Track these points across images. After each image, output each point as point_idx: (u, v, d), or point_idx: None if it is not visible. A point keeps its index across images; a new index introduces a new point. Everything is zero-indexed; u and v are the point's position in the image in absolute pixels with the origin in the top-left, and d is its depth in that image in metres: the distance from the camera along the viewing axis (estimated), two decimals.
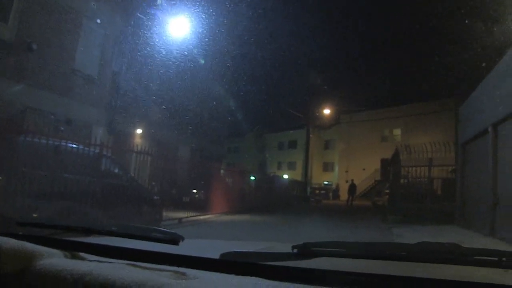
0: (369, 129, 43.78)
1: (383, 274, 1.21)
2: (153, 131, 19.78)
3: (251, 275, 1.21)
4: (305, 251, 1.32)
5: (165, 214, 12.37)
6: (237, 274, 1.23)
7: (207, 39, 20.46)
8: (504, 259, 1.17)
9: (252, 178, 24.81)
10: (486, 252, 1.22)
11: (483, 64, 12.58)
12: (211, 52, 22.69)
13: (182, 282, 1.15)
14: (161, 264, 1.36)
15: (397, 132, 43.16)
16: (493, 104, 10.97)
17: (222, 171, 21.40)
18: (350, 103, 45.45)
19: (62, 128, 10.02)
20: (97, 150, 9.91)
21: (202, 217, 15.15)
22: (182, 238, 1.45)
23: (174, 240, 1.44)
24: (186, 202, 15.75)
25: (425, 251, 1.30)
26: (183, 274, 1.23)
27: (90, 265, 1.30)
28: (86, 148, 9.46)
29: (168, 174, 13.31)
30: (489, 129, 11.22)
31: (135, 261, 1.40)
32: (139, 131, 19.53)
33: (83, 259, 1.45)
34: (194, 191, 17.89)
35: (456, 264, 1.26)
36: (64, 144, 8.67)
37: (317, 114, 43.34)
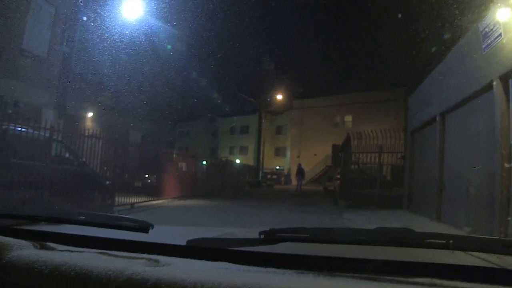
0: (321, 115, 44.52)
1: (343, 257, 1.31)
2: (104, 114, 19.31)
3: (220, 260, 1.27)
4: (271, 236, 1.37)
5: (117, 199, 12.18)
6: (207, 259, 1.29)
7: (160, 23, 20.09)
8: (451, 241, 1.27)
9: (204, 162, 24.74)
10: (436, 235, 1.30)
11: (433, 56, 13.03)
12: (164, 35, 22.32)
13: (157, 269, 1.18)
14: (132, 252, 1.37)
15: (349, 118, 44.12)
16: (441, 94, 11.38)
17: (174, 155, 21.20)
18: (302, 89, 45.99)
19: (10, 111, 9.58)
20: (47, 134, 9.54)
21: (154, 202, 15.02)
22: (152, 226, 1.48)
23: (145, 228, 1.47)
24: (138, 187, 15.55)
25: (382, 235, 1.37)
26: (156, 261, 1.26)
27: (63, 255, 1.29)
28: (36, 132, 9.09)
29: (120, 159, 13.06)
30: (437, 118, 11.64)
31: (106, 249, 1.40)
32: (90, 114, 19.01)
33: (53, 249, 1.42)
34: (146, 175, 17.67)
35: (409, 247, 1.36)
36: (12, 128, 8.29)
37: (270, 99, 43.55)
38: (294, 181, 34.92)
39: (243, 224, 10.23)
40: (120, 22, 16.10)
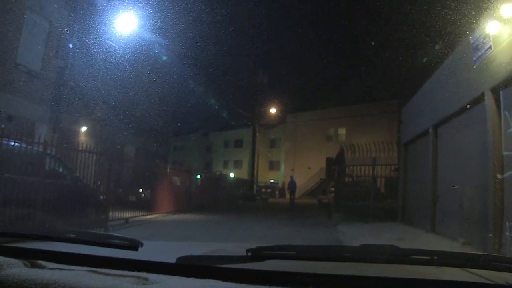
0: (315, 128, 44.60)
1: (329, 274, 1.32)
2: (98, 129, 19.27)
3: (208, 278, 1.28)
4: (258, 254, 1.38)
5: (111, 214, 12.10)
6: (196, 277, 1.29)
7: (154, 37, 20.16)
8: (435, 257, 1.29)
9: (198, 177, 24.67)
10: (420, 252, 1.33)
11: (425, 69, 13.16)
12: (159, 50, 22.39)
13: (145, 287, 1.19)
14: (122, 269, 1.38)
15: (342, 131, 44.23)
16: (433, 106, 11.48)
17: (168, 170, 21.14)
18: (296, 102, 46.16)
19: (3, 126, 9.54)
20: (41, 149, 9.50)
21: (149, 216, 14.94)
22: (141, 244, 1.49)
23: (134, 246, 1.48)
24: (132, 201, 15.46)
25: (367, 252, 1.40)
26: (145, 279, 1.27)
27: (53, 274, 1.29)
28: (29, 147, 9.04)
29: (114, 173, 13.00)
30: (430, 130, 11.72)
31: (96, 267, 1.40)
32: (83, 128, 18.96)
33: (43, 267, 1.42)
34: (140, 190, 17.58)
35: (394, 263, 1.37)
36: (5, 142, 8.24)
37: (263, 113, 43.62)
38: (287, 195, 34.87)
39: (237, 238, 10.18)
40: (113, 36, 16.15)
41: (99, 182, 12.30)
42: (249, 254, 1.38)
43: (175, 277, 1.31)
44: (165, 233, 11.60)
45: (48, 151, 9.82)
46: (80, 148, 11.41)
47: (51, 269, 1.38)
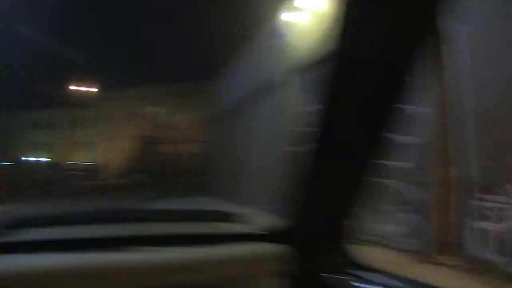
0: (125, 108, 43.22)
1: (90, 238, 1.32)
2: None
3: None
4: (13, 224, 1.35)
5: None
6: None
7: None
8: (163, 215, 1.46)
9: None
10: (154, 211, 1.54)
11: (232, 50, 13.87)
12: None
13: None
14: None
15: (154, 110, 43.57)
16: (239, 87, 12.26)
17: None
18: (106, 80, 44.13)
19: None
20: None
21: None
22: None
23: None
24: None
25: (107, 213, 1.53)
26: None
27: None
28: None
29: None
30: (237, 108, 12.48)
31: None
32: None
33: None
34: None
35: (131, 222, 1.48)
36: None
37: (71, 91, 41.08)
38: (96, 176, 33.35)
39: None
40: None
41: None
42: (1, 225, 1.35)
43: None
44: None
45: None
46: None
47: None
